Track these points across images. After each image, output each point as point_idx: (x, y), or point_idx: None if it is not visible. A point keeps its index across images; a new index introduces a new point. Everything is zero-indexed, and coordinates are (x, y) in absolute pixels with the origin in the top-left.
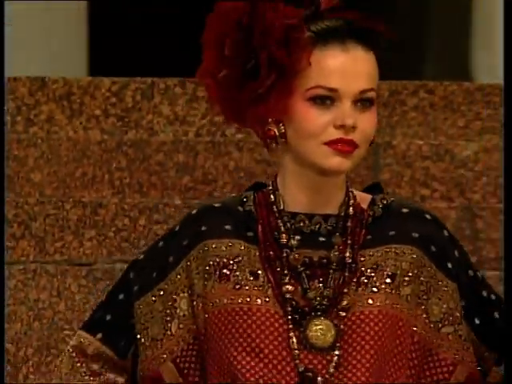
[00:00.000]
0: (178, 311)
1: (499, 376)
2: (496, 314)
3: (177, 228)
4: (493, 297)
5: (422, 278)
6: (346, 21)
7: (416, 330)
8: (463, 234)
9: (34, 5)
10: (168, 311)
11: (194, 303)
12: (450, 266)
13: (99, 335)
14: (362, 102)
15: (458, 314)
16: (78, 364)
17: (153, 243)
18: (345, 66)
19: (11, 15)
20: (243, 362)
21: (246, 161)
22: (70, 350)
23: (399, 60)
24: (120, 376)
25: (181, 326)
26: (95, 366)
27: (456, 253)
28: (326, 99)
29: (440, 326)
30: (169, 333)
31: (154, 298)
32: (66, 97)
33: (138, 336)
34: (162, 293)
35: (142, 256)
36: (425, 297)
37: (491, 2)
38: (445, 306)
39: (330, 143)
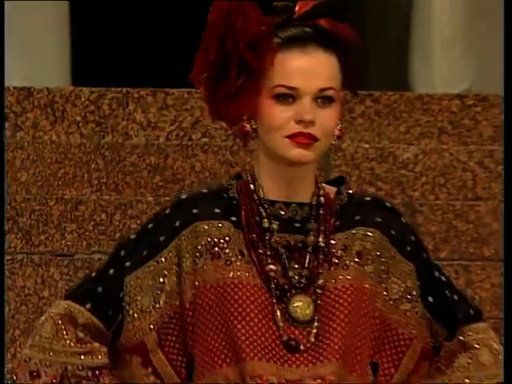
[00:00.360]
0: (166, 286)
1: (450, 351)
2: (447, 293)
3: (167, 211)
4: (443, 278)
5: (383, 259)
6: (312, 27)
7: (377, 306)
8: None
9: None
10: (158, 285)
11: (182, 279)
12: (408, 248)
13: (88, 305)
14: (322, 99)
15: (415, 293)
16: (64, 332)
17: (143, 226)
18: (304, 67)
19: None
20: (235, 330)
21: (211, 162)
22: (57, 317)
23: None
24: (103, 345)
25: (167, 300)
26: (81, 335)
27: (412, 237)
28: (287, 97)
29: (399, 303)
30: (157, 306)
31: (144, 274)
32: (50, 105)
33: (127, 307)
34: (152, 268)
35: (133, 236)
36: (385, 276)
37: (428, 22)
38: (403, 285)
39: (290, 136)
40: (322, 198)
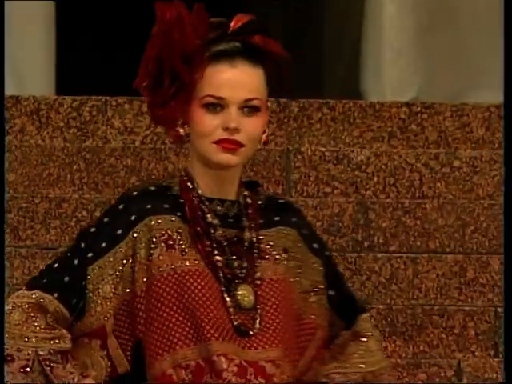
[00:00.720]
0: (123, 275)
1: (344, 340)
2: (346, 288)
3: (120, 206)
4: (341, 274)
5: (298, 255)
6: (242, 42)
7: (294, 298)
8: (358, 223)
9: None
10: (118, 274)
11: (135, 269)
12: (315, 246)
13: (55, 294)
14: (248, 108)
15: (322, 286)
16: (34, 318)
17: (98, 220)
18: (231, 79)
19: None
20: (198, 314)
21: (182, 164)
22: (26, 305)
23: (304, 83)
24: (68, 331)
25: (122, 288)
26: (50, 322)
27: (317, 236)
28: (216, 106)
29: (308, 295)
30: (116, 292)
31: (105, 263)
32: (36, 112)
33: (90, 294)
34: (112, 259)
35: (93, 229)
36: (299, 270)
37: (379, 38)
38: (312, 279)
39: (217, 142)
40: (248, 198)
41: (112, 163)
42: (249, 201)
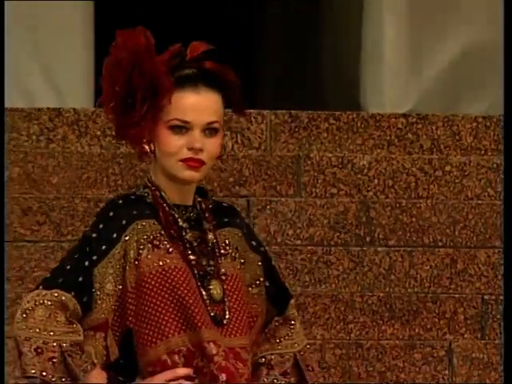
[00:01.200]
0: (119, 273)
1: (278, 324)
2: (279, 279)
3: (111, 213)
4: (274, 266)
5: (242, 253)
6: (200, 69)
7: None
8: (361, 220)
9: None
10: (117, 272)
11: (126, 268)
12: (254, 243)
13: (73, 293)
14: (209, 130)
15: (262, 279)
16: (56, 315)
17: (95, 225)
18: (196, 104)
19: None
20: (188, 305)
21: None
22: (49, 303)
23: (315, 97)
24: (81, 327)
25: (118, 284)
26: (69, 317)
27: (254, 235)
28: (181, 128)
29: (250, 288)
30: (116, 289)
31: (107, 264)
32: (76, 122)
33: (98, 292)
34: (111, 260)
35: (94, 235)
36: (243, 266)
37: (378, 58)
38: (253, 273)
39: (183, 160)
40: (202, 203)
41: (143, 168)
42: (203, 205)
